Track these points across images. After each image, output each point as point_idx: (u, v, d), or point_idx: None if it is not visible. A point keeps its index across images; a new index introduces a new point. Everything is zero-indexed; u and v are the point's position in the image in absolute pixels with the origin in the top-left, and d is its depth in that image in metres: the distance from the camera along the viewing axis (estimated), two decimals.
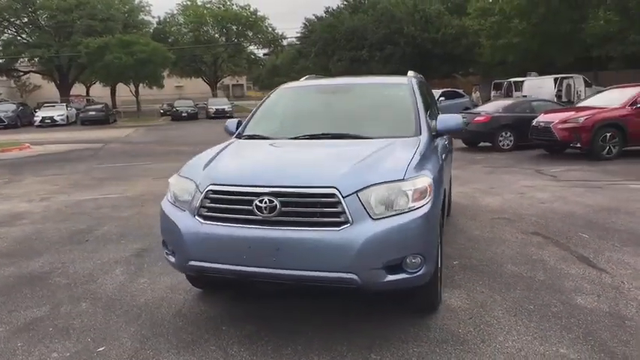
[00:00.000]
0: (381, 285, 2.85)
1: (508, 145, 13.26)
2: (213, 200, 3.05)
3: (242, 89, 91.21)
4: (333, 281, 2.82)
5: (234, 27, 47.37)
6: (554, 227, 5.50)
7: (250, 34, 47.91)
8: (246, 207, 2.93)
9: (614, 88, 12.22)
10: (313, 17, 44.64)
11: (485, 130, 13.29)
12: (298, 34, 46.45)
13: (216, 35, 48.35)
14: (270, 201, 2.86)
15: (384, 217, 2.83)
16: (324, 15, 42.95)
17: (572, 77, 23.59)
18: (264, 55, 55.93)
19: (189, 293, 3.97)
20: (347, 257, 2.74)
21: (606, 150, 10.57)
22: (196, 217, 3.06)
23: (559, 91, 23.10)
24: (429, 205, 2.95)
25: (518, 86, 24.72)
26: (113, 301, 3.87)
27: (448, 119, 4.02)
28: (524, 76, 25.64)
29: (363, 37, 35.12)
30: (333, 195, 2.82)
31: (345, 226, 2.78)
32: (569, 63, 26.33)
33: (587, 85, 24.51)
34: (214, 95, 47.13)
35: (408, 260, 2.86)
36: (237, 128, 4.49)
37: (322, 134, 3.87)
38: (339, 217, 2.80)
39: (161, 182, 9.60)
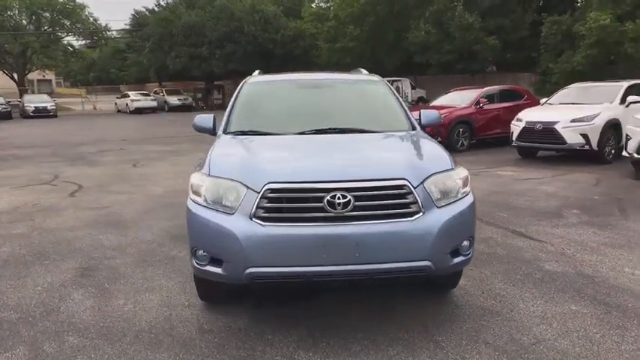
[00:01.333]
0: (448, 269, 3.02)
1: None
2: (272, 200, 2.83)
3: (50, 85, 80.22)
4: (410, 271, 2.89)
5: (46, 14, 41.43)
6: None
7: (67, 23, 42.45)
8: (315, 204, 2.81)
9: (457, 90, 14.22)
10: (144, 9, 41.71)
11: None
12: (127, 27, 42.85)
13: (24, 22, 41.71)
14: (344, 196, 2.79)
15: (445, 205, 2.99)
16: (155, 8, 40.46)
17: (400, 80, 26.58)
18: (88, 47, 50.17)
19: (194, 308, 3.57)
20: (425, 246, 2.84)
21: (460, 143, 12.29)
22: (254, 219, 2.81)
23: None
24: (471, 192, 3.21)
25: None
26: (108, 330, 3.27)
27: (430, 114, 4.33)
28: None
29: (202, 34, 34.07)
30: (404, 186, 2.88)
31: (418, 215, 2.86)
32: (397, 67, 29.56)
33: (413, 87, 28.00)
34: (23, 91, 40.59)
35: (462, 243, 3.08)
36: (214, 124, 4.16)
37: (329, 129, 3.84)
38: (410, 208, 2.87)
39: (28, 191, 8.16)
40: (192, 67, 34.76)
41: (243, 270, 2.81)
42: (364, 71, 5.17)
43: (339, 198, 2.78)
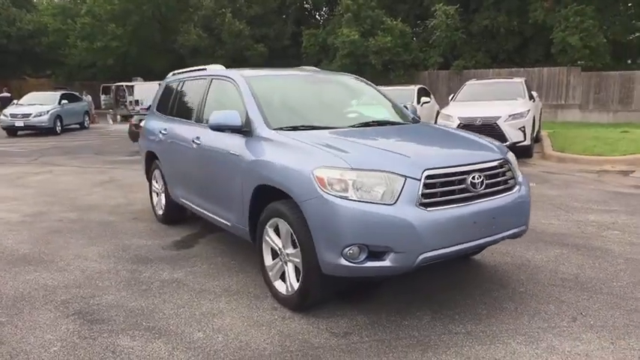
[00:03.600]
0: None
1: None
2: (428, 186, 2.93)
3: None
4: (515, 235, 3.38)
5: None
6: None
7: None
8: (461, 186, 3.04)
9: None
10: None
11: None
12: None
13: None
14: (480, 177, 3.11)
15: (520, 179, 3.58)
16: None
17: None
18: None
19: (293, 319, 3.26)
20: (526, 213, 3.40)
21: None
22: (419, 207, 2.86)
23: None
24: None
25: (130, 90, 24.83)
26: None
27: (410, 108, 4.84)
28: (125, 80, 25.86)
29: None
30: (505, 164, 3.37)
31: (517, 187, 3.39)
32: (166, 69, 28.42)
33: None
34: None
35: None
36: (242, 122, 3.75)
37: (372, 122, 3.98)
38: (510, 183, 3.37)
39: None
40: None
41: (416, 257, 2.84)
42: (314, 68, 5.34)
43: (477, 178, 3.09)
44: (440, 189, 2.99)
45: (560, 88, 22.22)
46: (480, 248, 3.43)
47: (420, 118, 4.55)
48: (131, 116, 15.69)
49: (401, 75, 25.28)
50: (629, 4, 23.37)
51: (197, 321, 3.25)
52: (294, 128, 3.67)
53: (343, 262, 2.87)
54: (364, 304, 3.44)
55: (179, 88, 5.36)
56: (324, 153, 3.09)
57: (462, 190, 3.05)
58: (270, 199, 3.43)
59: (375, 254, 2.86)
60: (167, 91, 5.73)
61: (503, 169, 3.35)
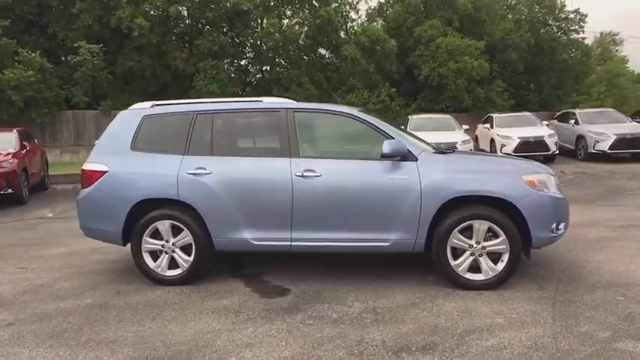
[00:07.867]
0: None
1: None
2: None
3: None
4: None
5: None
6: None
7: None
8: None
9: None
10: None
11: None
12: None
13: None
14: None
15: None
16: None
17: None
18: None
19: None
20: None
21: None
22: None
23: None
24: None
25: None
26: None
27: None
28: None
29: None
30: None
31: None
32: None
33: None
34: None
35: None
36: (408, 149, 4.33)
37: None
38: None
39: None
40: None
41: (568, 225, 4.57)
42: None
43: None
44: None
45: None
46: None
47: None
48: None
49: (44, 114, 22.17)
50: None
51: (492, 327, 3.67)
52: (442, 152, 4.59)
53: (551, 235, 4.28)
54: None
55: (210, 123, 4.58)
56: (523, 164, 4.50)
57: None
58: (447, 209, 4.20)
59: (557, 226, 4.37)
60: (163, 126, 4.73)
61: None
